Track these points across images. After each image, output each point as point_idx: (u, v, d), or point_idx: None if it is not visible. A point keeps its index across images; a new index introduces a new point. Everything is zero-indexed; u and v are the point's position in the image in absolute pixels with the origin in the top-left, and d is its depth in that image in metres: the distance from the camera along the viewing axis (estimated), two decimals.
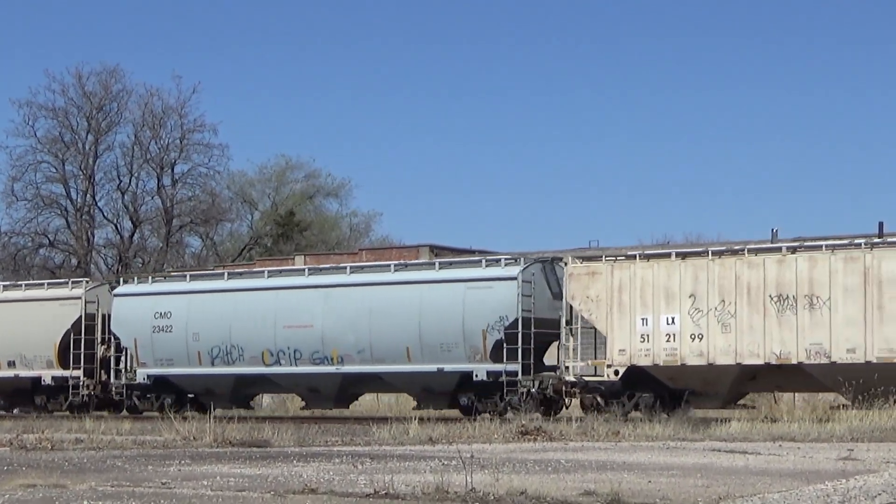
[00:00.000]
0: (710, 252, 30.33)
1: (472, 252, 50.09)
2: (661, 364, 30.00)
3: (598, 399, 30.82)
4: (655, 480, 13.41)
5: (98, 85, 71.47)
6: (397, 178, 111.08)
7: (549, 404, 32.14)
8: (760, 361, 28.95)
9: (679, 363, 29.80)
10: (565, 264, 31.93)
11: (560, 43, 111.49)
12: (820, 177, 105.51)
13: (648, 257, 30.94)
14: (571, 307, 31.29)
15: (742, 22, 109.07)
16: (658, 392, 30.46)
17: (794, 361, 28.58)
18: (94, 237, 72.80)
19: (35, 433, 22.99)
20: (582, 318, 31.14)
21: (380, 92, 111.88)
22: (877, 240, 29.44)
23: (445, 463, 15.65)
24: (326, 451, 19.01)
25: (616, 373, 30.48)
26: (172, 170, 72.91)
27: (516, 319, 31.81)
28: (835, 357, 28.15)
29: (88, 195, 71.85)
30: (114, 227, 73.27)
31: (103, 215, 72.94)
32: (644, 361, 30.19)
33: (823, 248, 29.01)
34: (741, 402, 31.28)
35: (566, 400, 32.04)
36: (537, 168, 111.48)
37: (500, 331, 32.02)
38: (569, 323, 31.37)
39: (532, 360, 31.99)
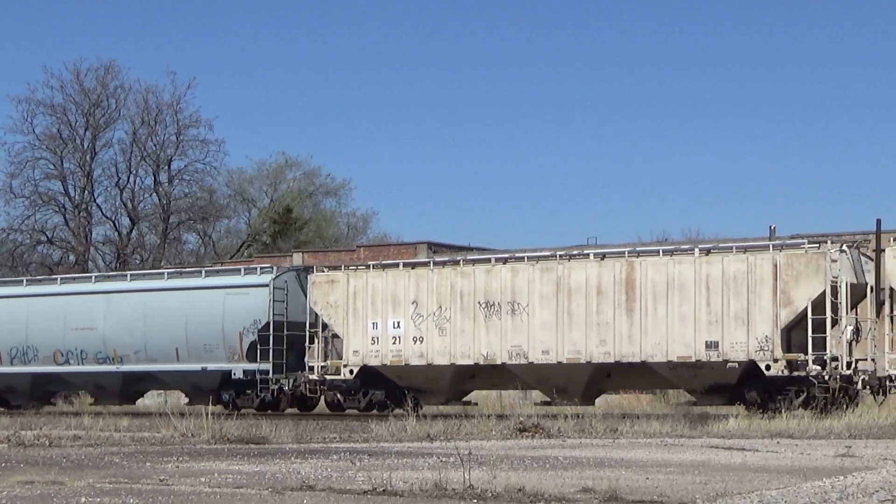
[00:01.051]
0: (431, 263, 34.21)
1: (469, 249, 50.07)
2: (388, 364, 33.26)
3: (339, 396, 34.34)
4: (653, 477, 13.42)
5: (96, 81, 71.47)
6: (395, 174, 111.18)
7: (306, 401, 35.84)
8: (471, 362, 32.29)
9: (403, 363, 33.00)
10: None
11: (558, 40, 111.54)
12: (819, 173, 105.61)
13: (384, 267, 34.20)
14: (316, 313, 34.43)
15: (740, 17, 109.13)
16: (389, 389, 33.65)
17: (499, 362, 31.84)
18: (91, 234, 72.79)
19: (33, 429, 22.99)
20: (324, 322, 34.31)
21: (378, 88, 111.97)
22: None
23: (443, 460, 15.66)
24: (324, 448, 19.01)
25: (351, 372, 33.69)
26: (169, 166, 72.93)
27: (268, 323, 35.21)
28: (532, 358, 31.46)
29: (86, 192, 71.80)
30: (112, 224, 73.27)
31: (101, 212, 72.93)
32: (374, 362, 33.48)
33: (526, 259, 32.53)
34: (466, 399, 34.69)
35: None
36: (535, 165, 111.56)
37: (254, 333, 35.41)
38: (313, 326, 34.41)
39: (285, 360, 35.26)
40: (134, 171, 72.86)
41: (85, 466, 15.50)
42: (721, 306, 29.70)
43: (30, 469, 14.19)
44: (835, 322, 28.87)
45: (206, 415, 22.03)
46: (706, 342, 29.70)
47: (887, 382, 28.89)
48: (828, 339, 28.61)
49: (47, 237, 71.81)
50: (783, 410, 27.42)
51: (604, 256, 31.56)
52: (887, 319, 29.22)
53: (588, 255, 31.99)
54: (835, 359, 28.75)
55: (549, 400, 31.88)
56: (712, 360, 29.58)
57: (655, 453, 17.35)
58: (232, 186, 78.42)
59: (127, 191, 72.71)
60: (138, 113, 72.08)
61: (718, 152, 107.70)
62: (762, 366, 29.19)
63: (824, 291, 28.69)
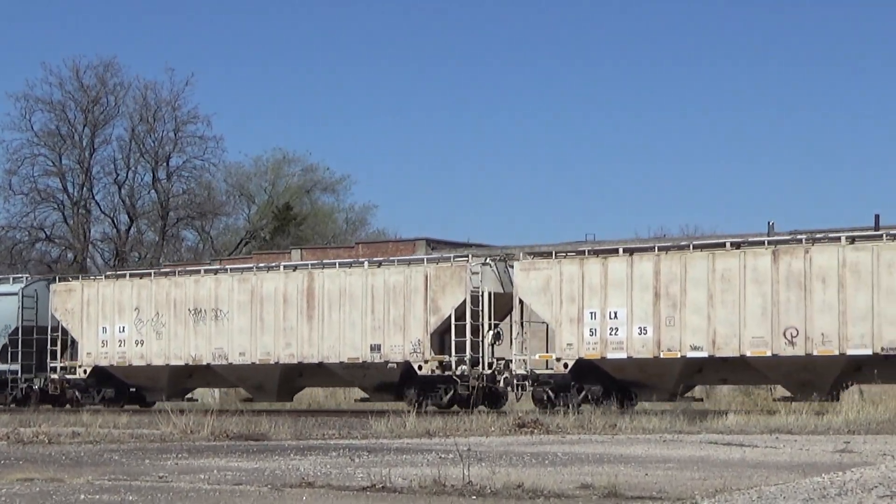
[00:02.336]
0: (152, 273, 38.65)
1: (468, 245, 50.08)
2: (116, 364, 37.59)
3: (77, 393, 38.59)
4: (652, 473, 13.43)
5: (94, 78, 71.44)
6: (394, 171, 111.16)
7: (55, 398, 39.62)
8: (182, 362, 36.51)
9: (127, 364, 37.33)
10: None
11: (555, 37, 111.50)
12: (819, 168, 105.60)
13: (116, 277, 38.85)
14: (57, 318, 38.59)
15: (736, 14, 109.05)
16: (119, 387, 38.15)
17: (205, 363, 36.06)
18: (90, 231, 72.76)
19: (32, 427, 22.99)
20: (63, 327, 38.53)
21: (376, 84, 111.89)
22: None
23: (442, 456, 15.66)
24: (324, 445, 19.02)
25: (85, 371, 38.06)
26: (167, 163, 72.90)
27: (17, 328, 39.39)
28: (231, 359, 35.59)
29: (85, 189, 71.78)
30: (110, 222, 73.25)
31: (100, 209, 72.92)
32: (104, 362, 37.72)
33: (229, 271, 37.05)
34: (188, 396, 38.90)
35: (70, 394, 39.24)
36: (535, 161, 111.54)
37: (5, 336, 39.60)
38: (55, 331, 38.69)
39: (35, 362, 39.55)
40: (132, 168, 72.87)
41: (84, 464, 15.51)
42: (383, 313, 33.85)
43: (29, 466, 14.19)
44: (477, 328, 32.60)
45: (207, 412, 22.03)
46: (371, 345, 33.91)
47: (516, 381, 32.16)
48: (467, 343, 32.47)
49: (46, 234, 71.78)
50: (429, 405, 32.23)
51: (295, 268, 35.99)
52: (516, 325, 32.64)
53: (279, 266, 36.40)
54: (476, 360, 32.59)
55: (250, 397, 37.09)
56: (376, 361, 33.63)
57: (654, 449, 17.36)
58: (230, 182, 78.43)
59: (125, 188, 72.73)
60: (137, 110, 72.11)
61: (718, 148, 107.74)
62: (415, 366, 33.02)
63: (465, 300, 32.51)
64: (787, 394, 30.13)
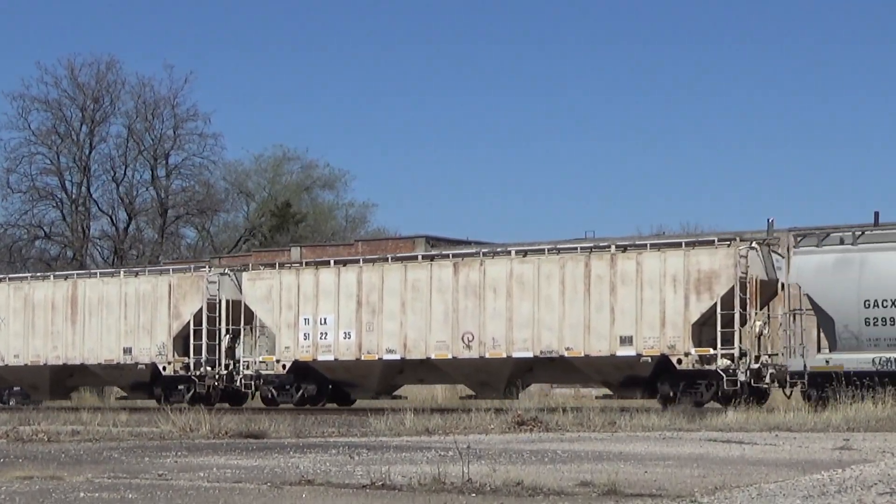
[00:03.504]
0: None
1: (468, 243, 50.04)
2: None
3: None
4: (652, 471, 13.42)
5: (91, 76, 71.38)
6: (393, 168, 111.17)
7: None
8: None
9: None
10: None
11: (555, 35, 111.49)
12: (818, 166, 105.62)
13: None
14: None
15: (735, 14, 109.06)
16: None
17: None
18: (89, 229, 72.71)
19: (31, 425, 22.98)
20: None
21: (375, 82, 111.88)
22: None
23: (442, 454, 15.65)
24: (323, 443, 19.01)
25: None
26: (167, 160, 72.86)
27: None
28: (7, 361, 39.31)
29: (83, 187, 71.73)
30: (109, 219, 73.20)
31: (98, 207, 72.85)
32: None
33: (8, 280, 40.66)
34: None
35: None
36: (534, 158, 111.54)
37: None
38: None
39: None
40: (131, 166, 72.84)
41: (83, 461, 15.50)
42: (135, 319, 37.49)
43: (28, 464, 14.18)
44: (214, 332, 36.27)
45: (205, 410, 22.03)
46: (124, 348, 37.65)
47: (244, 381, 35.72)
48: (203, 346, 36.12)
49: (45, 232, 71.75)
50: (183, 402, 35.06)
51: (66, 277, 39.44)
52: (245, 330, 36.51)
53: (49, 276, 40.12)
54: (215, 362, 36.42)
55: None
56: (128, 362, 37.45)
57: (654, 447, 17.35)
58: (229, 180, 78.34)
59: (124, 185, 72.69)
60: (134, 107, 72.06)
61: (718, 145, 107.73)
62: (161, 367, 36.88)
63: (202, 307, 36.19)
64: (472, 392, 33.60)
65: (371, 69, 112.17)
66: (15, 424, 23.23)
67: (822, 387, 27.68)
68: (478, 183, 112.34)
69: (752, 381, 30.09)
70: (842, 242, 28.55)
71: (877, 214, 31.16)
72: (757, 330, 30.41)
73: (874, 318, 27.69)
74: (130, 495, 11.50)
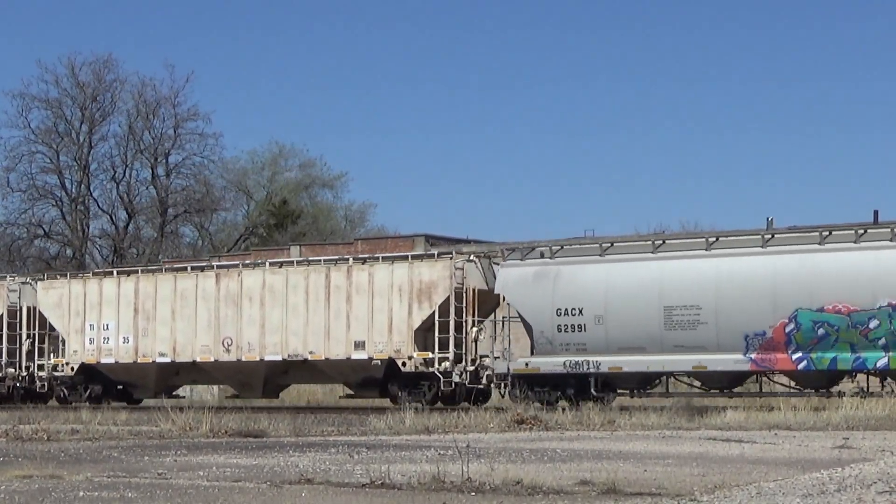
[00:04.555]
0: None
1: (467, 242, 50.06)
2: None
3: None
4: (651, 469, 13.42)
5: (91, 75, 71.40)
6: (392, 166, 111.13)
7: None
8: None
9: None
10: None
11: (553, 33, 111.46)
12: (818, 164, 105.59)
13: None
14: None
15: (735, 11, 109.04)
16: None
17: None
18: (89, 228, 72.74)
19: (31, 424, 22.98)
20: None
21: (375, 81, 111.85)
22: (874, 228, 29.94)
23: (441, 453, 15.65)
24: (323, 441, 19.02)
25: None
26: (166, 159, 72.87)
27: None
28: None
29: (83, 186, 71.77)
30: (109, 218, 73.22)
31: (98, 206, 72.90)
32: None
33: None
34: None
35: None
36: (533, 156, 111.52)
37: None
38: None
39: None
40: (130, 165, 72.86)
41: (83, 460, 15.51)
42: None
43: (28, 463, 14.18)
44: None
45: (205, 408, 22.04)
46: None
47: (40, 382, 39.02)
48: (3, 349, 39.50)
49: (44, 231, 71.78)
50: None
51: None
52: (39, 335, 39.32)
53: None
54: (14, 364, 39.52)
55: None
56: None
57: (653, 445, 17.36)
58: (227, 178, 78.34)
59: (123, 184, 72.72)
60: (134, 106, 72.07)
61: (718, 143, 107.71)
62: None
63: (3, 314, 39.35)
64: (235, 392, 36.99)
65: (369, 68, 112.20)
66: (14, 423, 23.24)
67: (531, 387, 30.75)
68: (478, 181, 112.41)
69: (469, 381, 32.84)
70: (542, 256, 31.55)
71: (876, 213, 31.20)
72: (473, 335, 32.97)
73: (565, 325, 30.70)
74: (130, 494, 11.50)
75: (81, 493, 11.59)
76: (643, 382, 30.97)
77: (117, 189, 72.63)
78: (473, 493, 11.30)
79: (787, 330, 28.76)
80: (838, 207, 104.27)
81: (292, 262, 36.53)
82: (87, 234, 72.14)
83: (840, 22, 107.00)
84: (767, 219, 33.84)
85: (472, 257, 33.66)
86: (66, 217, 71.48)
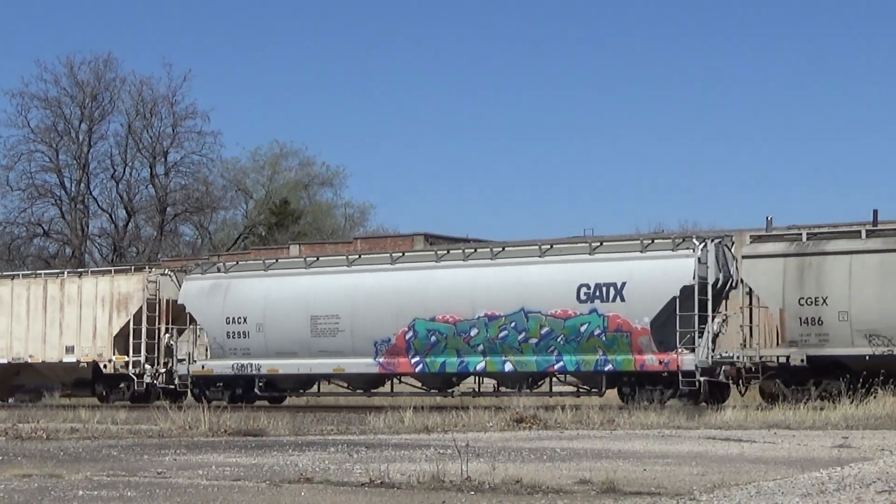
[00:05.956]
0: None
1: (467, 241, 50.04)
2: None
3: None
4: (651, 468, 13.41)
5: (90, 74, 71.41)
6: (392, 165, 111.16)
7: None
8: None
9: None
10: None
11: (553, 32, 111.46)
12: (818, 164, 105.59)
13: None
14: None
15: (735, 9, 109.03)
16: None
17: None
18: (88, 227, 72.73)
19: (30, 423, 22.97)
20: None
21: (374, 80, 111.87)
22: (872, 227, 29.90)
23: (441, 452, 15.64)
24: (322, 440, 19.01)
25: None
26: (165, 158, 72.86)
27: None
28: None
29: (82, 184, 71.79)
30: (108, 217, 73.23)
31: (97, 205, 72.93)
32: None
33: None
34: None
35: None
36: (534, 155, 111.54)
37: None
38: None
39: None
40: (130, 164, 72.87)
41: (82, 459, 15.50)
42: None
43: (27, 462, 14.18)
44: None
45: (204, 408, 22.03)
46: None
47: None
48: None
49: (44, 230, 71.80)
50: None
51: None
52: None
53: None
54: None
55: None
56: None
57: (653, 444, 17.35)
58: (227, 177, 78.36)
59: (123, 183, 72.74)
60: (134, 105, 72.07)
61: (718, 142, 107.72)
62: None
63: None
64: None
65: (368, 67, 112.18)
66: (14, 422, 23.23)
67: (208, 387, 35.38)
68: (478, 180, 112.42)
69: (165, 382, 37.28)
70: (218, 271, 36.19)
71: (875, 213, 31.19)
72: (165, 341, 37.44)
73: (233, 332, 35.12)
74: (129, 493, 11.49)
75: (81, 492, 11.58)
76: (302, 383, 35.53)
77: (116, 188, 72.72)
78: (473, 493, 11.29)
79: (407, 337, 32.84)
80: (838, 207, 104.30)
81: (18, 274, 41.37)
82: (86, 233, 72.16)
83: (841, 19, 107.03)
84: (766, 218, 33.87)
85: (166, 272, 38.56)
86: (66, 216, 71.50)
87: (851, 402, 24.58)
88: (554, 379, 32.63)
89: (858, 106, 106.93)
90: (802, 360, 28.37)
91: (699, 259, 30.04)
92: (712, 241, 30.72)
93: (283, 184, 79.76)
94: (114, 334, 37.67)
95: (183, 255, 65.19)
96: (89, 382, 38.64)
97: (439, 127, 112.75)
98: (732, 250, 31.23)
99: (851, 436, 18.41)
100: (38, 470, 13.28)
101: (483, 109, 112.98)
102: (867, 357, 27.59)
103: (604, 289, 30.68)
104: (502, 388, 33.01)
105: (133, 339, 37.34)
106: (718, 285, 30.62)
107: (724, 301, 31.23)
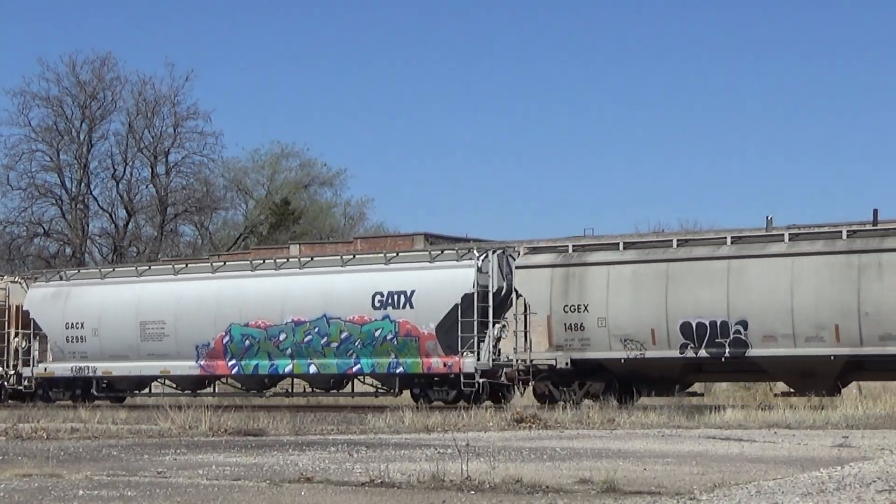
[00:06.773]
0: None
1: (466, 240, 50.03)
2: None
3: None
4: (651, 468, 13.41)
5: (91, 73, 71.39)
6: (392, 165, 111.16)
7: None
8: None
9: None
10: None
11: (554, 31, 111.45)
12: (818, 163, 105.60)
13: None
14: None
15: (734, 9, 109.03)
16: None
17: None
18: (88, 226, 72.71)
19: (30, 422, 22.96)
20: None
21: (374, 81, 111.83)
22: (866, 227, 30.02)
23: (441, 451, 15.64)
24: (322, 440, 19.01)
25: None
26: (166, 158, 72.86)
27: None
28: None
29: (83, 184, 71.76)
30: (108, 216, 73.21)
31: (98, 204, 72.89)
32: None
33: None
34: None
35: None
36: (534, 155, 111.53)
37: None
38: None
39: None
40: (130, 164, 72.85)
41: (82, 459, 15.50)
42: None
43: (27, 462, 14.18)
44: None
45: (205, 407, 22.03)
46: None
47: None
48: None
49: (44, 229, 71.76)
50: None
51: None
52: None
53: None
54: None
55: None
56: None
57: (653, 444, 17.35)
58: (227, 177, 78.36)
59: (123, 183, 72.71)
60: (135, 105, 72.07)
61: (718, 142, 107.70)
62: None
63: None
64: None
65: (370, 68, 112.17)
66: (14, 422, 23.23)
67: (51, 388, 37.88)
68: (478, 180, 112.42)
69: (18, 385, 39.16)
70: (61, 279, 38.61)
71: (875, 212, 31.21)
72: (14, 345, 39.49)
73: (72, 336, 37.50)
74: (129, 493, 11.49)
75: (81, 492, 11.58)
76: (136, 385, 37.70)
77: (117, 187, 72.69)
78: (473, 492, 11.29)
79: (225, 342, 35.19)
80: (839, 205, 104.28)
81: None
82: (86, 233, 72.13)
83: (841, 19, 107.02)
84: (767, 217, 33.90)
85: (16, 279, 40.92)
86: (66, 215, 71.47)
87: (620, 404, 27.18)
88: (357, 380, 35.07)
89: (858, 106, 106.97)
90: (567, 363, 30.32)
91: (479, 269, 32.06)
92: (494, 252, 32.79)
93: (283, 184, 79.77)
94: None
95: (183, 255, 65.16)
96: None
97: (439, 127, 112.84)
98: (517, 261, 32.53)
99: (851, 435, 18.41)
100: (39, 469, 13.28)
101: (483, 109, 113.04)
102: (623, 360, 29.81)
103: (395, 296, 32.93)
104: (315, 390, 35.72)
105: None
106: (502, 294, 32.47)
107: (509, 308, 32.85)
